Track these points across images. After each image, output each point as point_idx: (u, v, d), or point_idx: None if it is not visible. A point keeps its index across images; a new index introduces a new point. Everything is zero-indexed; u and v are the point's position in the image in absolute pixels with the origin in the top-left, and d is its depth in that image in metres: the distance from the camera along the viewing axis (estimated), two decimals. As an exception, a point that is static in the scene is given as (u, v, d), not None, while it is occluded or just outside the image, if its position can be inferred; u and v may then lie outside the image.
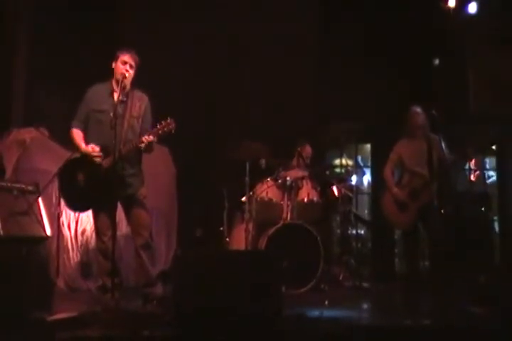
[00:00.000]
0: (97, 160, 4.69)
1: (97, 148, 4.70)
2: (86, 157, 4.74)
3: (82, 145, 4.80)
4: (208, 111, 7.25)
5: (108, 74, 4.89)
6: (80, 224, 5.79)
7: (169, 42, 6.94)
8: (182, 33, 7.02)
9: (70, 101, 5.29)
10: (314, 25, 7.49)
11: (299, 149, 6.66)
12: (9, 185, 4.96)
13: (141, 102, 4.88)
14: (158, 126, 4.60)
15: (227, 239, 6.38)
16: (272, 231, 5.86)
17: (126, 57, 4.81)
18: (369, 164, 8.60)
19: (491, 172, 8.47)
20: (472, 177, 8.24)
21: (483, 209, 7.14)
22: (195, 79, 6.98)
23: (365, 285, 6.36)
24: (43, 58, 6.55)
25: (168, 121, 4.57)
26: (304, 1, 7.46)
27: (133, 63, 4.82)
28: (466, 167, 8.02)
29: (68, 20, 6.60)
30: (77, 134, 4.88)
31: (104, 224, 4.81)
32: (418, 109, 5.94)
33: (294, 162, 6.64)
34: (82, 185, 4.73)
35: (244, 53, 7.13)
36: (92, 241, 5.63)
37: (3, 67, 6.49)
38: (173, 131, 4.57)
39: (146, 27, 7.03)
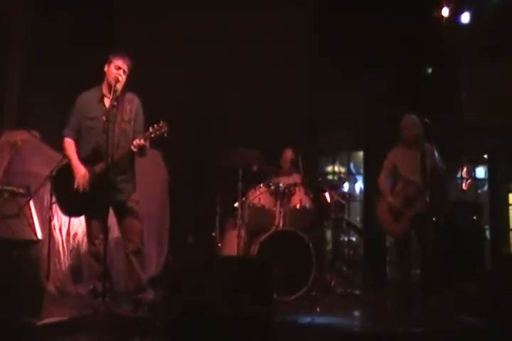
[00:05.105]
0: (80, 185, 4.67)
1: (87, 177, 4.65)
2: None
3: (74, 160, 4.73)
4: (203, 116, 7.25)
5: (101, 77, 4.83)
6: (71, 227, 5.75)
7: (166, 46, 6.94)
8: (179, 37, 7.03)
9: (63, 104, 5.25)
10: (310, 37, 7.52)
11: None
12: (-1, 187, 4.93)
13: (131, 105, 4.79)
14: (150, 130, 4.53)
15: (219, 245, 6.38)
16: (264, 237, 5.85)
17: (119, 62, 4.72)
18: (361, 171, 8.60)
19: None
20: (464, 186, 8.24)
21: (475, 217, 7.15)
22: (191, 84, 7.00)
23: (356, 292, 6.36)
24: (37, 60, 6.54)
25: (161, 124, 4.49)
26: (298, 16, 7.48)
27: (126, 68, 4.74)
28: (458, 175, 8.03)
29: (63, 23, 6.60)
30: (70, 144, 4.82)
31: (95, 228, 4.77)
32: (414, 118, 5.89)
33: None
34: (75, 191, 4.69)
35: (241, 61, 7.13)
36: (84, 245, 5.59)
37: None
38: (165, 135, 4.49)
39: (142, 29, 7.04)
